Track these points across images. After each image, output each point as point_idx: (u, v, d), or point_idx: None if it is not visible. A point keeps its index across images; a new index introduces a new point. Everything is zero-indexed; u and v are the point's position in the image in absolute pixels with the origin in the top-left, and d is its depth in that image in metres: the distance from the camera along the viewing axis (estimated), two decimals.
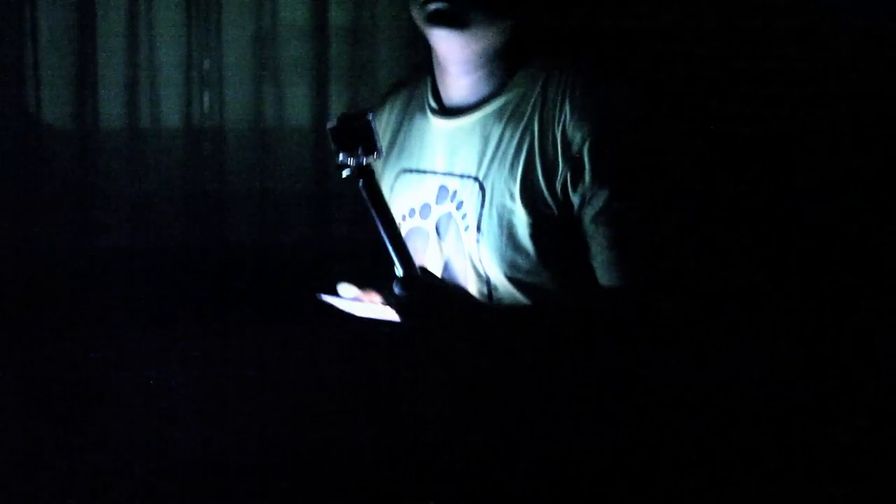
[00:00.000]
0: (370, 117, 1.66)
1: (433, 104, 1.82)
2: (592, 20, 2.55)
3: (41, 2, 3.13)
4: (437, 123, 1.81)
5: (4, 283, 3.08)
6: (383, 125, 1.92)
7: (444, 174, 1.79)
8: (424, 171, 1.83)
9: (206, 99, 3.20)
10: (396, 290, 1.70)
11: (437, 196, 1.80)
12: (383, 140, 1.89)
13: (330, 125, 1.67)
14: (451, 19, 1.70)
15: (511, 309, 1.74)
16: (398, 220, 1.85)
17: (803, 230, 2.82)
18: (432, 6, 1.69)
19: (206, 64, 3.19)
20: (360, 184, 1.67)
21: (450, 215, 1.78)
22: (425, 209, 1.82)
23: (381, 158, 1.86)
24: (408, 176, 1.86)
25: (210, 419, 3.23)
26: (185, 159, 3.19)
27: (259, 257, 3.20)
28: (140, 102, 3.18)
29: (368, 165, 1.66)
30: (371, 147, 1.66)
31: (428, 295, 1.69)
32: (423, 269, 1.72)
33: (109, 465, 3.16)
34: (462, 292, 1.74)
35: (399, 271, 1.70)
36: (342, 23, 3.24)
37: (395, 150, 1.90)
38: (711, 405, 1.84)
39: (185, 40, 3.18)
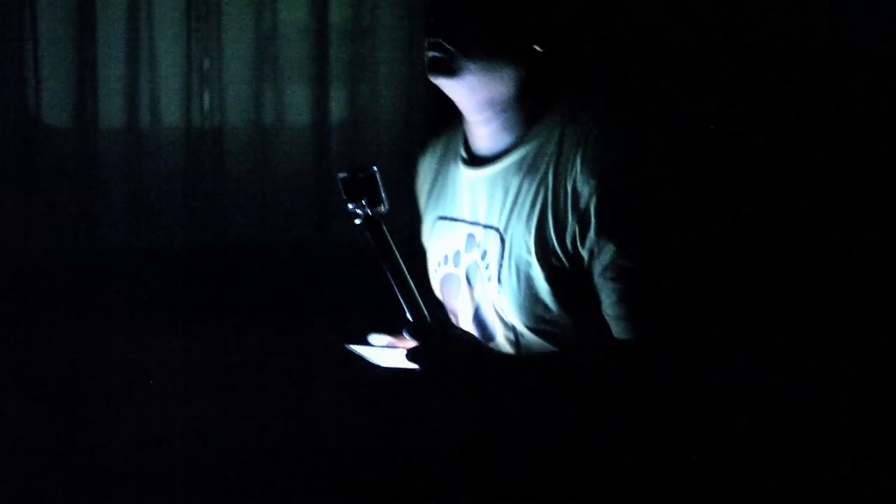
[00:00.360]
0: (374, 171, 1.73)
1: (463, 153, 1.87)
2: (600, 63, 2.55)
3: (41, 2, 3.12)
4: (465, 172, 1.86)
5: (4, 283, 3.08)
6: (424, 171, 1.99)
7: (472, 223, 1.84)
8: (456, 219, 1.88)
9: (206, 99, 3.19)
10: (406, 336, 1.72)
11: (466, 244, 1.85)
12: (423, 185, 1.97)
13: (340, 175, 1.74)
14: (445, 68, 1.75)
15: (521, 360, 1.78)
16: (435, 265, 1.92)
17: (815, 271, 2.82)
18: (429, 54, 1.76)
19: (206, 64, 3.19)
20: (368, 234, 1.74)
21: (476, 264, 1.82)
22: (457, 256, 1.87)
23: (424, 206, 1.97)
24: (442, 223, 1.91)
25: (210, 418, 3.24)
26: (185, 159, 3.19)
27: (259, 257, 3.20)
28: (140, 102, 3.18)
29: (375, 216, 1.73)
30: (376, 199, 1.73)
31: (436, 342, 1.71)
32: (435, 317, 1.76)
33: (110, 463, 3.16)
34: (472, 341, 1.78)
35: (409, 318, 1.74)
36: (342, 23, 3.24)
37: (433, 196, 1.95)
38: (717, 431, 1.86)
39: (185, 40, 3.18)
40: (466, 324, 1.87)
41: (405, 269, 1.74)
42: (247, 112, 3.23)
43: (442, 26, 1.75)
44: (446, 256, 1.90)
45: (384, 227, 1.73)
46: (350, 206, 1.75)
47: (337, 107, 3.25)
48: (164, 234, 3.19)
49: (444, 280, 1.91)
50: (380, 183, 1.73)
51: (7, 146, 3.11)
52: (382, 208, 1.74)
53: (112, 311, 3.13)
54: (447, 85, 1.78)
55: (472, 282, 1.85)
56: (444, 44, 1.75)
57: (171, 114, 3.20)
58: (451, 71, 1.76)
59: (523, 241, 1.75)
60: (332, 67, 3.23)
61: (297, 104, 3.24)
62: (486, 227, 1.81)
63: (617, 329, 1.70)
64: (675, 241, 1.70)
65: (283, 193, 3.22)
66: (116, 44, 3.16)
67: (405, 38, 3.22)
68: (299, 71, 3.23)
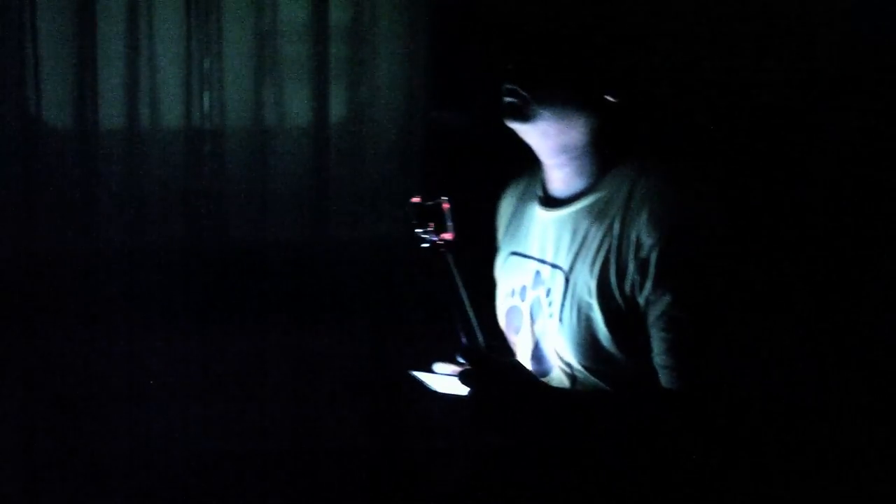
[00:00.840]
0: (442, 201, 1.85)
1: (540, 193, 1.98)
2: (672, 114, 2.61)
3: (41, 2, 3.12)
4: (539, 212, 1.96)
5: (4, 283, 3.08)
6: (504, 207, 2.12)
7: (540, 261, 1.93)
8: (526, 256, 1.98)
9: (206, 99, 3.19)
10: (458, 358, 1.81)
11: (534, 281, 1.94)
12: (502, 221, 2.11)
13: (413, 200, 1.86)
14: (519, 113, 1.85)
15: (566, 394, 1.86)
16: (503, 297, 2.03)
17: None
18: (504, 100, 1.86)
19: (206, 64, 3.19)
20: (433, 259, 1.85)
21: (539, 300, 1.91)
22: (523, 291, 1.97)
23: (500, 240, 2.09)
24: (514, 258, 2.02)
25: (210, 418, 3.24)
26: (185, 159, 3.19)
27: (259, 257, 3.20)
28: (140, 102, 3.17)
29: (439, 243, 1.84)
30: (441, 228, 1.84)
31: (486, 367, 1.79)
32: (489, 344, 1.85)
33: (110, 463, 3.16)
34: (521, 370, 1.85)
35: (463, 342, 1.84)
36: (342, 23, 3.24)
37: (510, 232, 2.07)
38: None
39: (185, 40, 3.18)
40: (525, 357, 1.95)
41: (465, 296, 1.83)
42: (247, 112, 3.22)
43: (518, 73, 1.85)
44: (514, 290, 1.99)
45: (449, 255, 1.84)
46: (418, 230, 1.85)
47: (337, 107, 3.25)
48: (164, 235, 3.18)
49: (509, 312, 2.00)
50: (447, 214, 1.84)
51: (7, 146, 3.11)
52: (447, 236, 1.84)
53: (112, 312, 3.13)
54: (521, 129, 1.88)
55: (534, 317, 1.93)
56: (519, 90, 1.84)
57: (171, 114, 3.20)
58: (524, 116, 1.85)
59: (586, 284, 1.83)
60: (332, 67, 3.23)
61: (297, 104, 3.24)
62: (553, 266, 1.90)
63: (664, 377, 1.77)
64: (727, 298, 1.77)
65: (283, 193, 3.22)
66: (116, 44, 3.16)
67: (405, 38, 3.22)
68: (299, 71, 3.23)
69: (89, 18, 3.14)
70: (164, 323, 3.14)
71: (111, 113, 3.16)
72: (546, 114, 1.84)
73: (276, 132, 3.23)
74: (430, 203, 1.83)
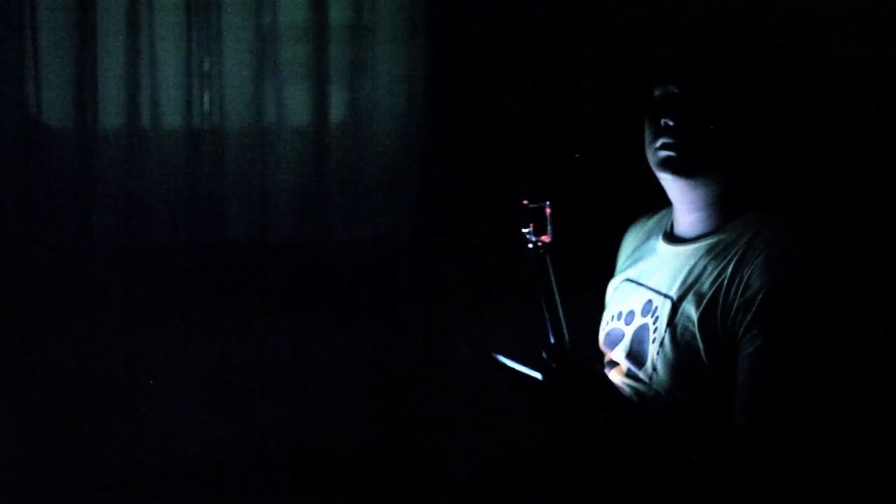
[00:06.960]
0: (545, 205, 1.96)
1: (667, 230, 2.11)
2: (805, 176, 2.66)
3: (41, 2, 3.12)
4: (662, 246, 2.09)
5: (5, 283, 3.08)
6: (630, 238, 2.25)
7: (655, 291, 2.05)
8: (641, 284, 2.10)
9: (206, 99, 3.19)
10: (544, 354, 1.92)
11: (643, 308, 2.06)
12: (625, 249, 2.23)
13: (525, 202, 1.97)
14: (677, 167, 1.97)
15: (636, 406, 1.98)
16: (608, 319, 2.16)
17: None
18: (663, 153, 1.98)
19: (206, 64, 3.19)
20: (532, 258, 1.95)
21: (646, 326, 2.03)
22: (630, 315, 2.09)
23: (619, 266, 2.21)
24: (628, 284, 2.14)
25: (211, 418, 3.24)
26: (185, 159, 3.19)
27: (258, 257, 3.20)
28: (140, 102, 3.17)
29: (539, 246, 1.95)
30: (540, 230, 1.95)
31: (569, 366, 1.91)
32: (576, 348, 1.96)
33: (110, 463, 3.16)
34: (600, 375, 2.00)
35: (551, 340, 1.94)
36: (342, 23, 3.24)
37: (629, 261, 2.19)
38: None
39: (185, 40, 3.18)
40: (617, 377, 2.07)
41: (558, 298, 1.94)
42: (247, 112, 3.22)
43: (678, 129, 1.96)
44: (620, 313, 2.12)
45: (547, 256, 1.94)
46: (523, 229, 1.96)
47: (337, 107, 3.25)
48: (164, 234, 3.18)
49: (610, 333, 2.13)
50: (547, 217, 1.95)
51: (7, 146, 3.11)
52: (546, 238, 1.94)
53: (112, 312, 3.13)
54: (673, 181, 2.01)
55: (635, 341, 2.04)
56: (680, 144, 1.96)
57: (171, 114, 3.20)
58: (684, 170, 1.98)
59: (692, 313, 1.94)
60: (332, 67, 3.23)
61: (297, 104, 3.24)
62: (664, 295, 2.01)
63: (735, 413, 1.87)
64: (819, 357, 1.86)
65: (283, 193, 3.22)
66: (116, 44, 3.16)
67: (405, 38, 3.22)
68: (299, 71, 3.23)
69: (89, 18, 3.14)
70: (164, 323, 3.14)
71: (111, 113, 3.16)
72: (701, 168, 1.97)
73: (276, 132, 3.23)
74: (532, 205, 1.93)
